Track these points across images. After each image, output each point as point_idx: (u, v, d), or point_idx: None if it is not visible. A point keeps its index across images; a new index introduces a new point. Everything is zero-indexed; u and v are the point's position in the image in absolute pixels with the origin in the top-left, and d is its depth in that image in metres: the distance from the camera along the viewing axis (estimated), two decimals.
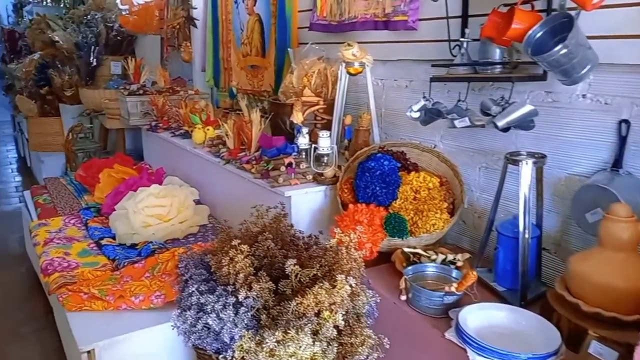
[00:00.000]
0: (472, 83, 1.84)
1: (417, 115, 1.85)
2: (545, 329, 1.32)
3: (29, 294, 2.89)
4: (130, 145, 4.49)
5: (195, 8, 4.04)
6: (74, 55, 4.88)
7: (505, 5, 1.61)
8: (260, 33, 3.32)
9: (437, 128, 2.06)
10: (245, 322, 1.38)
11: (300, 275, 1.42)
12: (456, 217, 1.86)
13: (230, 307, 1.41)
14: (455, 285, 1.46)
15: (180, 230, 2.46)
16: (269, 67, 3.26)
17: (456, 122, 1.70)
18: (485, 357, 1.25)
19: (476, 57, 1.76)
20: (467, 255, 1.74)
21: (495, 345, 1.25)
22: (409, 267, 1.65)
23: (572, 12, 1.38)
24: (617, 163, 1.51)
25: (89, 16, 4.98)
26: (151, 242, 2.31)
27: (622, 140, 1.49)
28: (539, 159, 1.55)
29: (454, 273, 1.63)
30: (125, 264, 2.14)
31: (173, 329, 1.52)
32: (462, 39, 1.80)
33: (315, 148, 2.12)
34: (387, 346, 1.37)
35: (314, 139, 2.22)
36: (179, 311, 1.53)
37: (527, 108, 1.54)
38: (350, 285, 1.37)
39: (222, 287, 1.48)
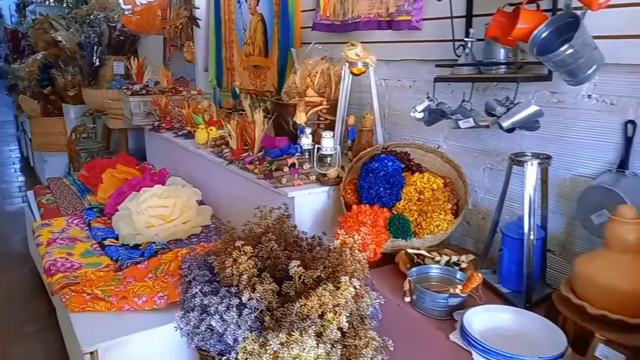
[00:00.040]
0: (477, 83, 1.83)
1: (420, 115, 1.84)
2: (550, 332, 1.31)
3: (32, 294, 2.89)
4: (133, 145, 4.50)
5: (198, 8, 4.04)
6: (77, 55, 4.89)
7: (511, 4, 1.60)
8: (263, 33, 3.32)
9: (440, 128, 2.06)
10: (249, 323, 1.38)
11: (304, 276, 1.41)
12: (460, 218, 1.85)
13: (234, 308, 1.40)
14: (460, 287, 1.46)
15: (183, 230, 2.46)
16: (271, 67, 3.25)
17: (460, 123, 1.70)
18: (490, 359, 1.24)
19: (480, 57, 1.75)
20: (472, 257, 1.74)
21: (501, 348, 1.24)
22: (413, 269, 1.64)
23: (578, 12, 1.37)
24: (622, 164, 1.50)
25: (91, 16, 4.98)
26: (154, 242, 2.31)
27: (628, 141, 1.48)
28: (544, 160, 1.54)
29: (458, 274, 1.62)
30: (128, 264, 2.14)
31: (176, 330, 1.52)
32: (466, 39, 1.79)
33: (319, 148, 2.12)
34: (392, 348, 1.36)
35: (317, 139, 2.22)
36: (182, 312, 1.53)
37: (532, 109, 1.53)
38: (355, 287, 1.36)
39: (226, 288, 1.48)
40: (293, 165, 2.12)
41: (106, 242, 2.40)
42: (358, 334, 1.36)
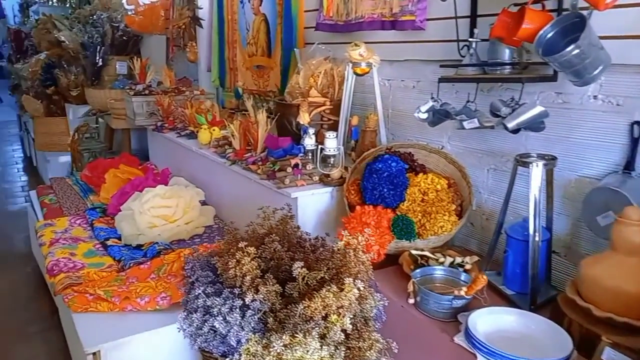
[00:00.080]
0: (481, 84, 1.82)
1: (425, 116, 1.83)
2: (556, 334, 1.30)
3: (34, 294, 2.89)
4: (135, 145, 4.49)
5: (201, 8, 4.03)
6: (80, 55, 4.89)
7: (516, 5, 1.59)
8: (266, 33, 3.31)
9: (444, 129, 2.05)
10: (252, 325, 1.37)
11: (308, 278, 1.41)
12: (464, 219, 1.84)
13: (237, 310, 1.39)
14: (464, 289, 1.45)
15: (186, 231, 2.46)
16: (274, 67, 3.25)
17: (465, 124, 1.69)
18: None
19: (485, 58, 1.74)
20: (476, 258, 1.72)
21: (506, 351, 1.23)
22: (417, 270, 1.64)
23: (584, 12, 1.36)
24: (629, 165, 1.49)
25: (94, 16, 4.99)
26: (157, 243, 2.31)
27: (635, 142, 1.47)
28: (550, 161, 1.53)
29: (463, 276, 1.61)
30: (131, 265, 2.13)
31: (179, 332, 1.51)
32: (470, 39, 1.78)
33: (322, 149, 2.11)
34: (396, 351, 1.35)
35: (320, 139, 2.21)
36: (185, 314, 1.52)
37: (538, 109, 1.52)
38: (358, 289, 1.35)
39: (229, 289, 1.47)
40: (296, 165, 2.12)
41: (109, 243, 2.40)
42: (362, 335, 1.35)
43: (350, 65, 2.17)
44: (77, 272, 2.10)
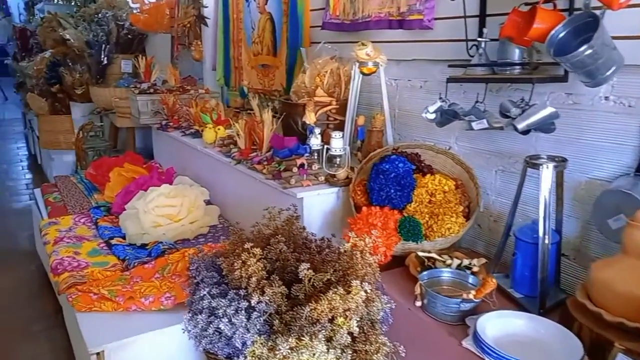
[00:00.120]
0: (490, 84, 1.79)
1: (432, 116, 1.81)
2: (565, 339, 1.28)
3: (39, 292, 2.89)
4: (140, 144, 4.49)
5: (206, 7, 4.03)
6: (85, 54, 4.89)
7: (527, 4, 1.57)
8: (271, 32, 3.30)
9: (452, 129, 2.02)
10: (258, 327, 1.36)
11: (314, 279, 1.39)
12: (472, 221, 1.82)
13: (243, 311, 1.38)
14: (473, 292, 1.43)
15: (191, 230, 2.45)
16: (280, 67, 3.23)
17: (474, 124, 1.67)
18: None
19: (494, 58, 1.72)
20: (483, 260, 1.70)
21: (515, 355, 1.21)
22: (424, 272, 1.62)
23: (597, 12, 1.33)
24: None
25: (99, 14, 4.98)
26: (161, 242, 2.30)
27: None
28: (560, 163, 1.50)
29: (470, 279, 1.60)
30: (135, 264, 2.12)
31: (184, 333, 1.50)
32: (479, 39, 1.76)
33: (328, 149, 2.09)
34: (403, 354, 1.33)
35: (326, 139, 2.19)
36: (190, 315, 1.51)
37: (548, 110, 1.50)
38: (365, 291, 1.33)
39: (234, 290, 1.46)
40: (302, 165, 2.10)
41: (113, 242, 2.39)
42: (369, 338, 1.33)
43: (357, 64, 2.15)
44: (81, 271, 2.09)
